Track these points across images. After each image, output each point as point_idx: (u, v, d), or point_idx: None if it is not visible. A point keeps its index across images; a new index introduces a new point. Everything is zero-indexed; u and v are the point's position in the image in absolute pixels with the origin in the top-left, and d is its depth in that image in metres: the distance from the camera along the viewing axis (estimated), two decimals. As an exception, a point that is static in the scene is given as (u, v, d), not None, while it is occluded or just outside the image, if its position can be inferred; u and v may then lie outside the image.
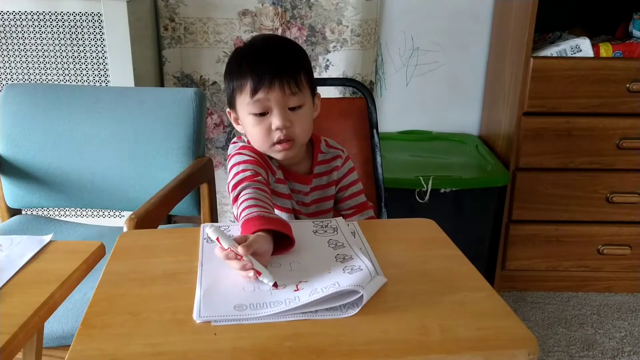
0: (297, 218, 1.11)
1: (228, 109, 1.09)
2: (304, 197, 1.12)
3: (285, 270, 0.79)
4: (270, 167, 1.06)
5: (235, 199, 0.94)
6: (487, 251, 2.00)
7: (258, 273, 0.75)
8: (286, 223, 0.86)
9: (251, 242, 0.77)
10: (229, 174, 1.01)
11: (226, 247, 0.76)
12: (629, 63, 1.84)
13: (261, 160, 1.04)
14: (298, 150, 1.07)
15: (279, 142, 1.02)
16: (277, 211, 1.07)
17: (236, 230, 0.88)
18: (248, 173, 0.98)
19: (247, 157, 1.02)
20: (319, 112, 1.10)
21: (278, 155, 1.05)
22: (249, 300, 0.71)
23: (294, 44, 1.07)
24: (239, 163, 1.01)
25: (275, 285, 0.74)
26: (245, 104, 1.01)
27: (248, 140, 1.08)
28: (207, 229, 0.79)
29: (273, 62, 1.00)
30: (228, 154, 1.08)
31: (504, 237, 2.01)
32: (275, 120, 1.00)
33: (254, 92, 0.99)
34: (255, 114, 1.01)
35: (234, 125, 1.09)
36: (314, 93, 1.07)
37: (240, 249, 0.75)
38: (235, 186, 0.96)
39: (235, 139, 1.11)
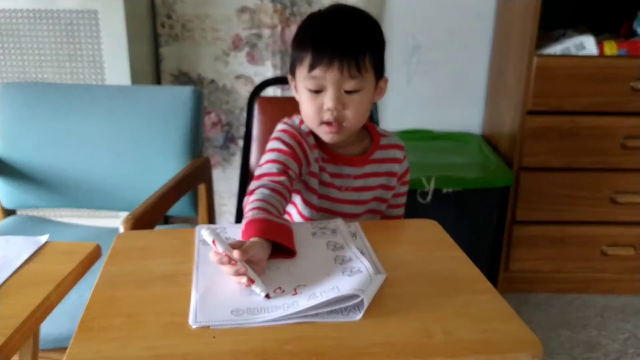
0: (332, 209, 1.06)
1: (289, 75, 1.05)
2: (354, 181, 1.06)
3: (284, 274, 0.77)
4: (307, 157, 1.02)
5: (251, 192, 0.92)
6: (490, 252, 1.99)
7: (251, 281, 0.73)
8: (289, 232, 0.84)
9: (247, 247, 0.75)
10: (263, 157, 0.99)
11: (221, 251, 0.74)
12: (633, 61, 1.83)
13: (299, 149, 1.00)
14: (348, 137, 1.03)
15: (328, 123, 0.99)
16: (303, 207, 1.04)
17: (233, 231, 0.87)
18: (274, 169, 0.95)
19: (283, 147, 0.99)
20: (382, 97, 1.05)
21: (325, 137, 1.02)
22: (246, 305, 0.70)
23: (369, 21, 1.01)
24: (273, 150, 0.99)
25: (267, 296, 0.71)
26: (302, 77, 0.98)
27: (301, 121, 1.04)
28: (203, 231, 0.76)
29: (337, 39, 0.95)
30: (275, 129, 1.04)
31: (508, 238, 2.00)
32: (327, 101, 0.97)
33: (311, 67, 0.96)
34: (310, 90, 0.98)
35: (294, 93, 1.05)
36: (380, 76, 1.02)
37: (235, 254, 0.73)
38: (257, 177, 0.94)
39: (285, 119, 1.07)
